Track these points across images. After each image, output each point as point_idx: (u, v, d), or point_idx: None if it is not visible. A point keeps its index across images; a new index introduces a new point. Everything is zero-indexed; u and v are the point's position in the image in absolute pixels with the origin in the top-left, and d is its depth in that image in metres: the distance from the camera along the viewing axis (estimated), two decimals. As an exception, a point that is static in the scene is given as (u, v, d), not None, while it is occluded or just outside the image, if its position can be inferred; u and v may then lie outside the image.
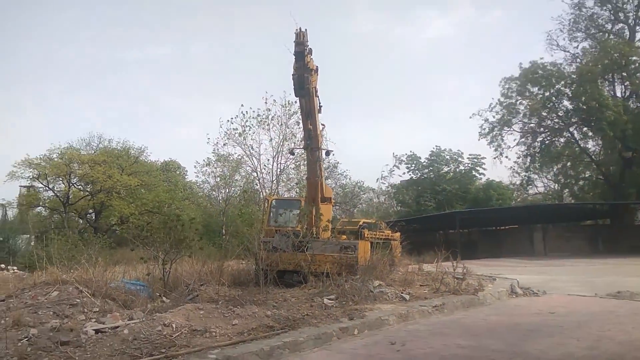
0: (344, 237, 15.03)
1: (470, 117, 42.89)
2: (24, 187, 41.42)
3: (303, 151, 18.13)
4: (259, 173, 35.67)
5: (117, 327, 6.84)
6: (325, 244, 12.99)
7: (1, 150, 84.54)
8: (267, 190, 32.69)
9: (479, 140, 42.38)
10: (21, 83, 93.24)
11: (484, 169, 46.20)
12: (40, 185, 39.92)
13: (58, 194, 39.95)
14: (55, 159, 38.53)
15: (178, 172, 53.12)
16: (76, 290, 7.92)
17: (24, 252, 26.92)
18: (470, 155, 46.77)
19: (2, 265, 22.39)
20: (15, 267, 22.13)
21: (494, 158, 42.46)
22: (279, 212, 16.50)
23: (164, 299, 9.28)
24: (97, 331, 6.65)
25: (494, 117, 41.11)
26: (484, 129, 41.76)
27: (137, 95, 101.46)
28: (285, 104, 33.20)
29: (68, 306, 7.45)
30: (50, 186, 39.88)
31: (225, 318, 7.89)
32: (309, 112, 13.52)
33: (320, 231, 14.39)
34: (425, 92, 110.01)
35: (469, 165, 47.00)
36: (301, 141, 26.35)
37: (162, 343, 6.58)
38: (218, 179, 39.23)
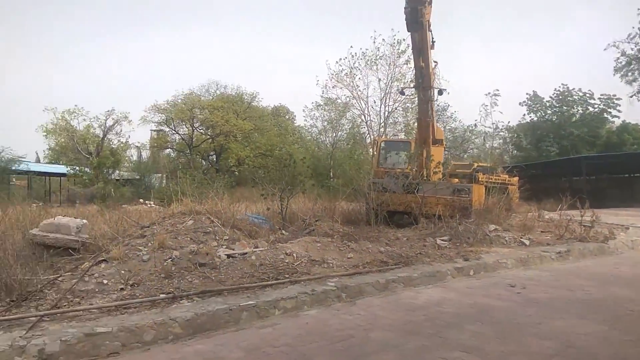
0: (456, 180, 14.58)
1: (605, 49, 37.97)
2: (154, 130, 45.88)
3: (413, 91, 17.57)
4: (366, 116, 35.50)
5: (245, 253, 7.49)
6: (437, 186, 12.74)
7: (134, 96, 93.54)
8: (374, 133, 32.55)
9: (613, 75, 37.58)
10: (150, 31, 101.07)
11: (618, 110, 41.10)
12: (168, 128, 43.89)
13: (183, 137, 43.70)
14: (180, 105, 41.84)
15: (287, 117, 54.78)
16: (208, 220, 8.75)
17: (158, 188, 30.13)
18: (602, 95, 41.73)
19: (142, 200, 25.41)
20: (151, 202, 25.02)
21: (630, 97, 37.50)
22: (388, 153, 16.43)
23: (283, 231, 9.91)
24: (228, 256, 7.35)
25: (632, 49, 35.97)
26: (620, 62, 36.84)
27: (249, 41, 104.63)
28: (394, 43, 32.08)
29: (202, 233, 8.29)
30: (176, 129, 43.68)
31: (341, 251, 8.24)
32: (421, 48, 12.92)
33: (431, 173, 14.11)
34: (551, 20, 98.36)
35: (600, 106, 42.04)
36: (411, 81, 25.57)
37: (285, 269, 7.11)
38: (326, 122, 39.80)
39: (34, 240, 7.39)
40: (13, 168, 30.67)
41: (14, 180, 33.23)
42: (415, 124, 18.20)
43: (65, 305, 5.42)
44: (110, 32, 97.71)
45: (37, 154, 52.42)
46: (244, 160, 39.88)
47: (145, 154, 47.84)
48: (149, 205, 24.04)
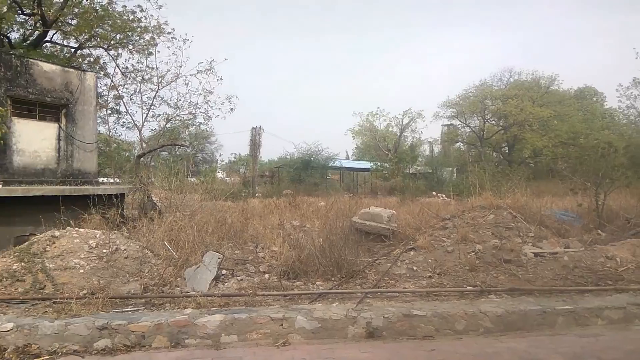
0: None
1: None
2: (445, 125, 46.94)
3: None
4: None
5: (556, 253, 6.86)
6: None
7: (428, 95, 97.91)
8: None
9: None
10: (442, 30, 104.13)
11: None
12: (459, 122, 44.20)
13: (474, 130, 43.23)
14: (471, 97, 41.53)
15: (595, 100, 47.40)
16: (510, 215, 8.40)
17: (448, 182, 30.67)
18: None
19: (434, 193, 26.38)
20: (443, 195, 25.68)
21: None
22: None
23: (599, 231, 8.61)
24: (535, 254, 6.87)
25: None
26: None
27: (541, 23, 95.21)
28: None
29: (504, 229, 8.01)
30: (467, 122, 43.54)
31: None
32: None
33: None
34: None
35: None
36: None
37: (606, 275, 6.19)
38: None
39: (354, 227, 8.60)
40: (330, 164, 36.53)
41: (330, 174, 39.56)
42: None
43: (383, 286, 6.12)
44: (410, 37, 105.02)
45: (346, 152, 60.97)
46: (540, 150, 36.59)
47: (437, 148, 49.47)
48: (441, 198, 24.69)
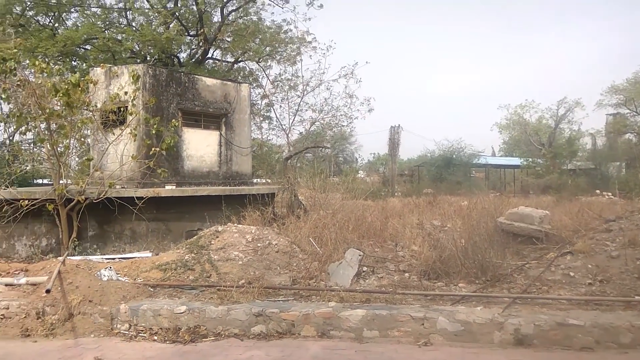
0: None
1: None
2: (610, 114, 41.28)
3: None
4: None
5: None
6: None
7: (587, 82, 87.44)
8: None
9: None
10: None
11: None
12: (627, 110, 38.55)
13: (649, 118, 37.32)
14: (642, 82, 36.00)
15: None
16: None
17: (615, 178, 27.00)
18: None
19: (597, 191, 23.43)
20: (608, 193, 22.67)
21: None
22: None
23: None
24: None
25: None
26: None
27: None
28: None
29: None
30: (638, 111, 37.75)
31: None
32: None
33: None
34: None
35: None
36: None
37: None
38: None
39: (500, 228, 8.12)
40: (474, 162, 34.75)
41: (473, 172, 37.63)
42: None
43: (534, 292, 5.69)
44: (555, 22, 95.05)
45: (492, 148, 57.36)
46: None
47: (601, 140, 43.82)
48: (606, 197, 21.92)
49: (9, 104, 8.90)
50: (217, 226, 8.32)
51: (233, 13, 19.02)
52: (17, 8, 17.29)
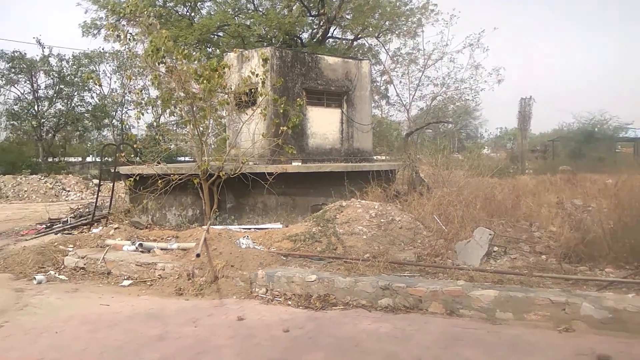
0: None
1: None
2: None
3: None
4: None
5: None
6: None
7: None
8: None
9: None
10: None
11: None
12: None
13: None
14: None
15: None
16: None
17: None
18: None
19: None
20: None
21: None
22: None
23: None
24: None
25: None
26: None
27: None
28: None
29: None
30: None
31: None
32: None
33: None
34: None
35: None
36: None
37: None
38: None
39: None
40: (619, 136, 30.87)
41: (619, 147, 33.44)
42: None
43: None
44: None
45: (643, 120, 50.31)
46: None
47: None
48: None
49: (157, 89, 9.96)
50: (341, 201, 8.55)
51: (353, -11, 18.98)
52: (159, 0, 19.17)
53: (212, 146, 12.00)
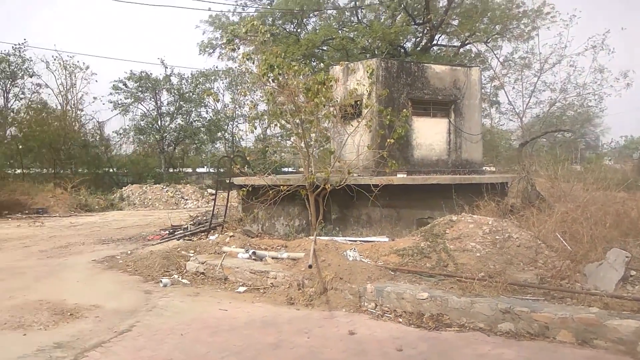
0: None
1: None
2: None
3: None
4: None
5: None
6: None
7: None
8: None
9: None
10: None
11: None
12: None
13: None
14: None
15: None
16: None
17: None
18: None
19: None
20: None
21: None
22: None
23: None
24: None
25: None
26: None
27: None
28: None
29: None
30: None
31: None
32: None
33: None
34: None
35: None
36: None
37: None
38: None
39: None
40: None
41: None
42: None
43: None
44: None
45: None
46: None
47: None
48: None
49: (267, 104, 10.43)
50: (451, 215, 8.21)
51: (460, -5, 18.39)
52: (269, 19, 20.20)
53: (316, 157, 12.26)
